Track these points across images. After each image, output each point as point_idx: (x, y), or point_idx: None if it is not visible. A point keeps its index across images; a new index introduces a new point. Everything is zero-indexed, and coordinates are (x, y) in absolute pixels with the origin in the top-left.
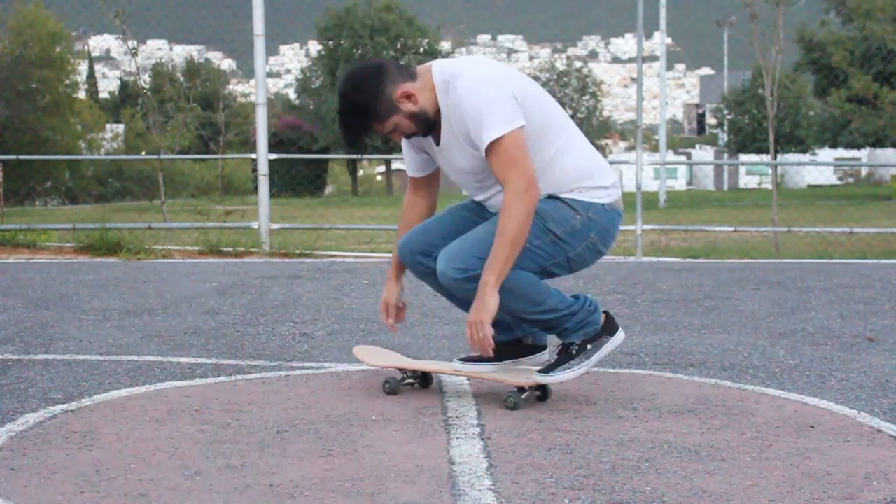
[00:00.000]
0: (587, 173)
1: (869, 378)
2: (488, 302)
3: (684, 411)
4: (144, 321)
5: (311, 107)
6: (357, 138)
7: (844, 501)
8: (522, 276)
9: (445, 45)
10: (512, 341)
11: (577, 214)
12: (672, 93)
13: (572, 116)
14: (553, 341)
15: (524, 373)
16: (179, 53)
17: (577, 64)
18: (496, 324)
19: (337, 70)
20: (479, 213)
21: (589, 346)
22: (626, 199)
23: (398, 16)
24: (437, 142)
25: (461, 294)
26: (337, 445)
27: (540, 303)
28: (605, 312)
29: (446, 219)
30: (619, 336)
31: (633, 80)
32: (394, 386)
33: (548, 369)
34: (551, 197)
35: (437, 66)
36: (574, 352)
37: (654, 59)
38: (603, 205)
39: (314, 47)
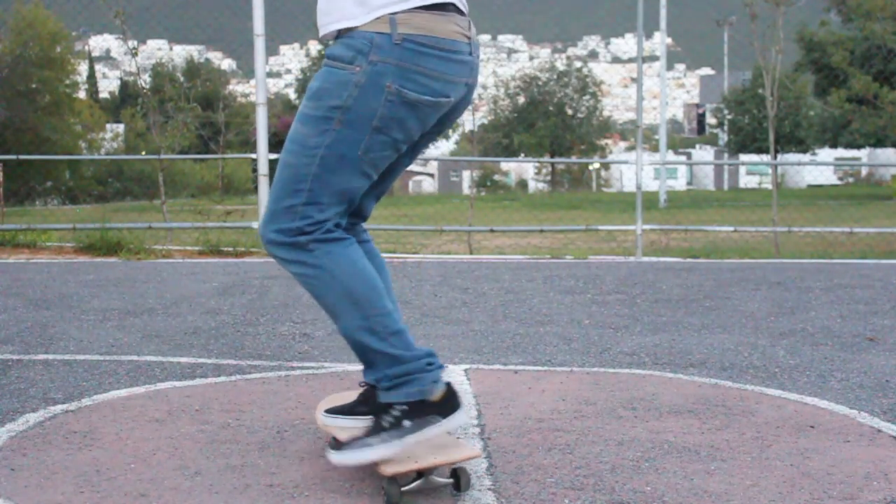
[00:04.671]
0: None
1: (869, 378)
2: None
3: (684, 411)
4: (144, 321)
5: None
6: None
7: (844, 501)
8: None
9: None
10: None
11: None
12: (672, 93)
13: (572, 117)
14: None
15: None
16: (179, 53)
17: (577, 64)
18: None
19: None
20: None
21: (406, 423)
22: (626, 199)
23: None
24: None
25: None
26: None
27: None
28: (447, 384)
29: None
30: (456, 419)
31: (633, 80)
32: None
33: (342, 444)
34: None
35: None
36: (387, 423)
37: (654, 59)
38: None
39: (314, 47)
